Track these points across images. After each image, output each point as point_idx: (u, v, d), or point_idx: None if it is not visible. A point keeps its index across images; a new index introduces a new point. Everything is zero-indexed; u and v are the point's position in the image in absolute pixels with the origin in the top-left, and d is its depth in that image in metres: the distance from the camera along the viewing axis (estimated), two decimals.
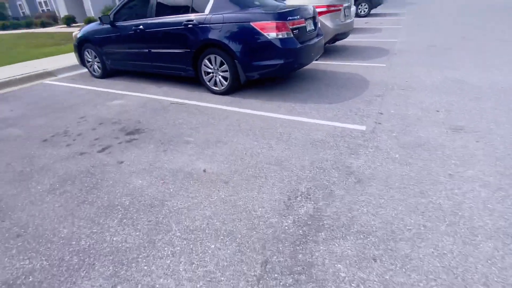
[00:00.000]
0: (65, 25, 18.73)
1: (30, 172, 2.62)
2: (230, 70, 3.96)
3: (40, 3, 29.64)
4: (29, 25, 21.29)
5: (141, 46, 4.69)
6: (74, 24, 18.78)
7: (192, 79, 4.75)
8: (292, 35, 3.73)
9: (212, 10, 3.94)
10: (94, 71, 5.75)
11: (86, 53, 5.63)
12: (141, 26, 4.55)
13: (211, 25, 3.90)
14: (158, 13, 4.45)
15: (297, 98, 3.92)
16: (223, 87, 4.17)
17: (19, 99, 4.85)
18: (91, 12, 19.32)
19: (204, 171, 2.42)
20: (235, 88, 4.16)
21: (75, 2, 20.92)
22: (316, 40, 4.28)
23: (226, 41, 3.79)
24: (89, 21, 17.96)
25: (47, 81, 5.86)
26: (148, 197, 2.14)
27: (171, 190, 2.20)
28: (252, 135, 2.98)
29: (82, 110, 4.08)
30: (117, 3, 21.60)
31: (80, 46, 5.65)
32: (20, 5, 30.17)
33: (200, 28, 3.98)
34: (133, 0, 4.78)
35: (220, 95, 4.22)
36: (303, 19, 3.96)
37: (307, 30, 4.09)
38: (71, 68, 6.54)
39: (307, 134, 2.92)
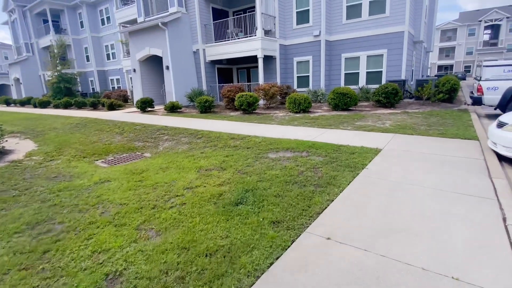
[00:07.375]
0: (139, 109, 14.37)
1: None
2: None
3: (112, 80, 27.87)
4: (95, 105, 17.65)
5: None
6: (149, 109, 14.42)
7: None
8: None
9: None
10: None
11: None
12: None
13: None
14: None
15: None
16: None
17: None
18: (172, 96, 15.10)
19: None
20: None
21: (153, 82, 17.30)
22: None
23: None
24: (173, 106, 13.13)
25: None
26: None
27: None
28: None
29: None
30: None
31: None
32: (91, 81, 28.69)
33: None
34: None
35: None
36: None
37: None
38: None
39: None
